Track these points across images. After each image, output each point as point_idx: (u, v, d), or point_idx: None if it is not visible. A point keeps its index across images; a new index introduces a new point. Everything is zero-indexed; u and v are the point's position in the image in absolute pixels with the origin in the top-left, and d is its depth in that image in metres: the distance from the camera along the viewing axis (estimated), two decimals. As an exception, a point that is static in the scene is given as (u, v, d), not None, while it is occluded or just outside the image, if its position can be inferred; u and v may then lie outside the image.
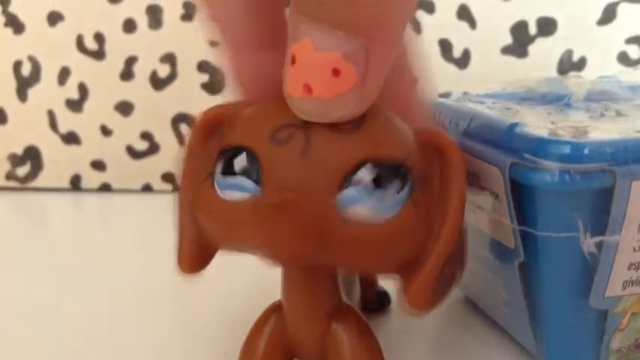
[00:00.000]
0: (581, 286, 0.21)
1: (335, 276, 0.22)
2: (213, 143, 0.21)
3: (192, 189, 0.21)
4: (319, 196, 0.18)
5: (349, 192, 0.18)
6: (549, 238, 0.20)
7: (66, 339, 0.28)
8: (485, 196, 0.23)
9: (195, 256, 0.22)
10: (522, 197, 0.21)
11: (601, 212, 0.20)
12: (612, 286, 0.21)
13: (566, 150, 0.19)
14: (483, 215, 0.24)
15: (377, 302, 0.29)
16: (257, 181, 0.19)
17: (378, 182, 0.18)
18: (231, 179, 0.19)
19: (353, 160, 0.18)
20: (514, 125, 0.21)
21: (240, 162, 0.19)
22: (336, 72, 0.17)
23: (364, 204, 0.18)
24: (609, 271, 0.21)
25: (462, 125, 0.24)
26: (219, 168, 0.20)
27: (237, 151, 0.19)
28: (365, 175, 0.18)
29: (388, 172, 0.19)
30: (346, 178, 0.18)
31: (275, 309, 0.22)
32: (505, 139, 0.21)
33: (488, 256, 0.24)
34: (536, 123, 0.22)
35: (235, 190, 0.19)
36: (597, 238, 0.20)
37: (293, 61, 0.18)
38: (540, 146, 0.20)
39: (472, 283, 0.27)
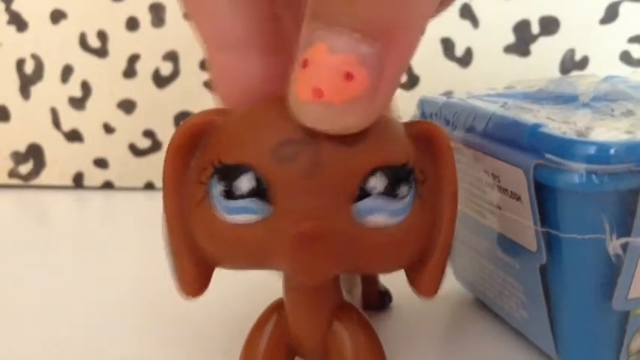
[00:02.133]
0: (604, 288, 0.21)
1: (337, 276, 0.22)
2: (201, 156, 0.20)
3: (182, 207, 0.20)
4: (337, 213, 0.18)
5: (365, 203, 0.18)
6: (574, 240, 0.20)
7: (67, 336, 0.28)
8: (505, 198, 0.23)
9: (197, 278, 0.21)
10: (546, 199, 0.21)
11: (627, 213, 0.20)
12: (636, 288, 0.21)
13: (593, 151, 0.19)
14: (502, 216, 0.24)
15: (378, 300, 0.30)
16: (266, 201, 0.18)
17: (389, 187, 0.18)
18: (237, 202, 0.19)
19: (364, 171, 0.18)
20: (537, 126, 0.21)
21: (245, 183, 0.18)
22: (348, 76, 0.17)
23: (381, 211, 0.18)
24: (633, 273, 0.21)
25: (479, 125, 0.24)
26: (218, 189, 0.19)
27: (238, 169, 0.19)
28: (377, 183, 0.18)
29: (397, 176, 0.19)
30: (359, 190, 0.18)
31: (276, 308, 0.22)
32: (528, 140, 0.21)
33: (507, 259, 0.24)
34: (554, 123, 0.22)
35: (244, 214, 0.19)
36: (623, 240, 0.20)
37: (304, 65, 0.17)
38: (566, 147, 0.20)
39: (486, 285, 0.27)
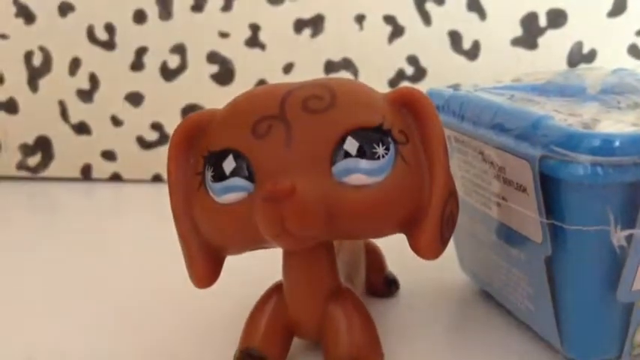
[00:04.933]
0: (608, 279, 0.21)
1: (334, 258, 0.23)
2: (195, 152, 0.21)
3: (186, 201, 0.22)
4: (314, 176, 0.19)
5: (341, 164, 0.20)
6: (579, 231, 0.20)
7: (76, 326, 0.28)
8: (510, 189, 0.23)
9: (206, 269, 0.22)
10: (551, 191, 0.21)
11: (631, 205, 0.20)
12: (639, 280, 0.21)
13: (598, 143, 0.19)
14: (508, 208, 0.24)
15: (385, 288, 0.30)
16: (250, 178, 0.20)
17: (364, 148, 0.20)
18: (224, 183, 0.20)
19: (336, 135, 0.20)
20: (543, 118, 0.21)
21: (229, 164, 0.20)
22: None
23: (359, 171, 0.20)
24: (637, 265, 0.21)
25: (486, 117, 0.24)
26: (209, 174, 0.21)
27: (223, 153, 0.20)
28: (351, 145, 0.20)
29: (371, 137, 0.20)
30: (334, 153, 0.20)
31: (276, 289, 0.23)
32: (533, 132, 0.21)
33: (512, 250, 0.24)
34: (560, 115, 0.22)
35: (231, 193, 0.20)
36: (627, 232, 0.20)
37: None
38: (571, 139, 0.20)
39: (491, 277, 0.28)
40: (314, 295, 0.23)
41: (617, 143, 0.19)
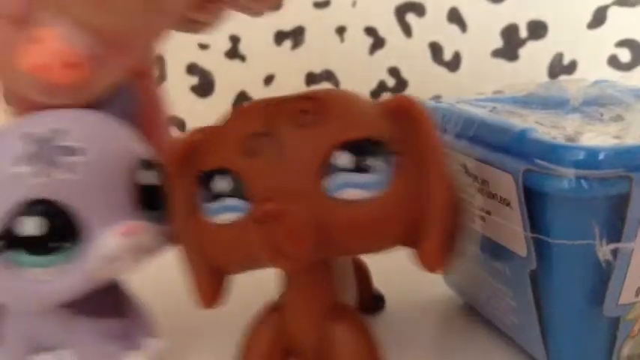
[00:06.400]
0: (594, 293, 0.21)
1: (333, 276, 0.22)
2: (190, 173, 0.21)
3: (187, 224, 0.21)
4: (307, 193, 0.19)
5: (333, 179, 0.19)
6: (564, 245, 0.20)
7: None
8: (494, 203, 0.23)
9: (212, 289, 0.22)
10: (535, 204, 0.21)
11: (617, 219, 0.20)
12: (626, 293, 0.21)
13: (582, 156, 0.19)
14: (492, 222, 0.23)
15: (372, 304, 0.30)
16: (244, 197, 0.19)
17: (357, 162, 0.19)
18: (218, 204, 0.20)
19: (327, 148, 0.19)
20: (526, 131, 0.21)
21: (222, 184, 0.20)
22: (76, 65, 0.20)
23: (352, 185, 0.19)
24: (624, 278, 0.20)
25: (468, 130, 0.24)
26: (202, 196, 0.20)
27: (214, 173, 0.20)
28: (343, 158, 0.19)
29: (364, 150, 0.19)
30: (325, 168, 0.19)
31: (274, 308, 0.23)
32: (516, 145, 0.21)
33: (496, 264, 0.24)
34: (543, 128, 0.22)
35: (227, 213, 0.20)
36: (613, 245, 0.20)
37: (37, 41, 0.20)
38: (555, 152, 0.19)
39: (476, 291, 0.27)
40: (314, 312, 0.22)
41: (602, 156, 0.19)
